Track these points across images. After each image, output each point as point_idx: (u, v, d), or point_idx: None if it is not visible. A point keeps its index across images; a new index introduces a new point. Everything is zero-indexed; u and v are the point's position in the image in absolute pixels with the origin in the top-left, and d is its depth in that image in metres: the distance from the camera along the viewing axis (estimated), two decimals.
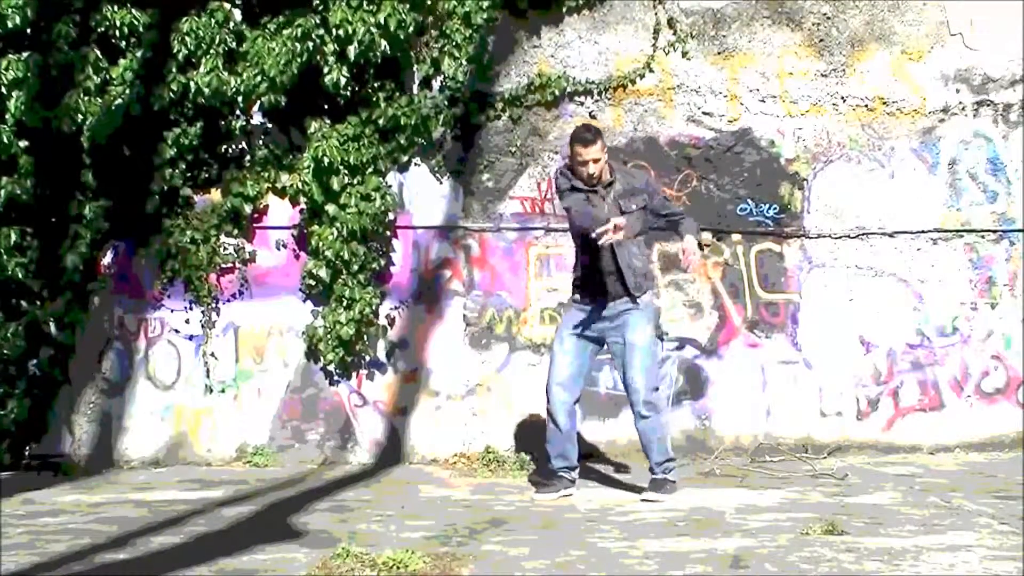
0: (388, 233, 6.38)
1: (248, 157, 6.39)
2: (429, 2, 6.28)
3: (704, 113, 6.54)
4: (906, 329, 6.59)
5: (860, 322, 6.56)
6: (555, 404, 5.21)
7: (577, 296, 5.28)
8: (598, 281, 5.15)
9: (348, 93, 6.23)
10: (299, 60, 6.12)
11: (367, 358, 6.39)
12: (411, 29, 6.22)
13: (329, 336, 6.22)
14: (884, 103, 6.60)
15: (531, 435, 6.37)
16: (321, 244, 6.18)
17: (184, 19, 6.13)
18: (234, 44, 6.22)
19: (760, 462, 6.17)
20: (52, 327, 6.20)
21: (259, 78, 6.15)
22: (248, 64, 6.18)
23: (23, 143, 6.11)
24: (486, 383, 6.44)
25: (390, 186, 6.36)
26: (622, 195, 5.13)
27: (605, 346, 5.29)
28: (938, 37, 6.62)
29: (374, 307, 6.29)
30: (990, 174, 6.68)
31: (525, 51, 6.50)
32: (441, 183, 6.47)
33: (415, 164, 6.44)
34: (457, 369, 6.43)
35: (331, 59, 6.15)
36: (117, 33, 6.15)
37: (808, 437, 6.46)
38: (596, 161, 5.06)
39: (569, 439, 5.25)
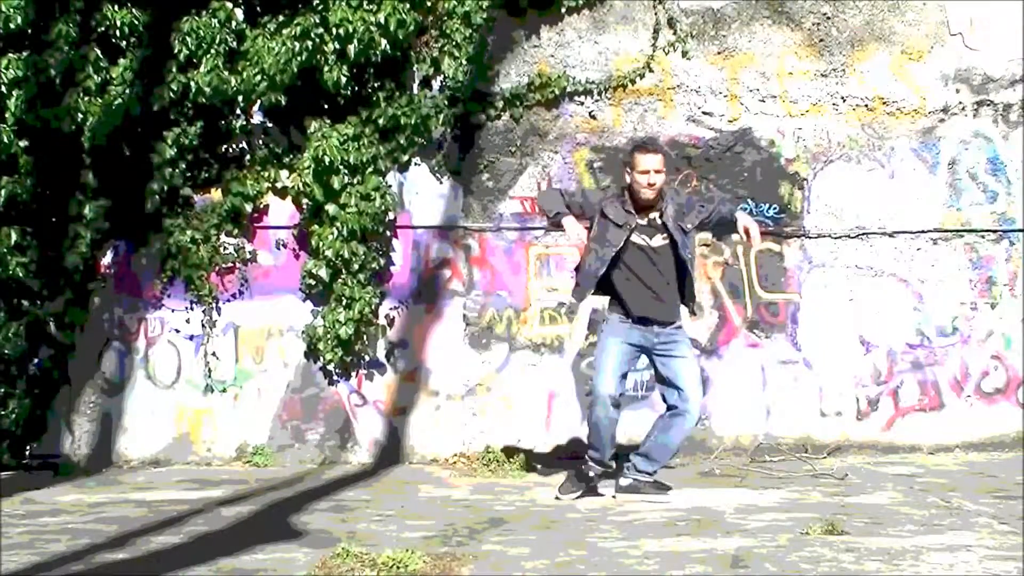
0: (388, 233, 6.38)
1: (248, 157, 6.39)
2: (429, 2, 6.28)
3: (704, 113, 6.54)
4: (906, 329, 6.59)
5: (860, 322, 6.56)
6: (603, 401, 5.09)
7: (620, 315, 5.17)
8: (644, 302, 5.11)
9: (348, 93, 6.23)
10: (299, 59, 6.12)
11: (367, 358, 6.39)
12: (411, 29, 6.22)
13: (328, 336, 6.22)
14: (884, 103, 6.60)
15: (531, 435, 6.38)
16: (321, 244, 6.19)
17: (184, 19, 6.13)
18: (234, 43, 6.22)
19: (760, 462, 6.17)
20: (52, 327, 6.20)
21: (259, 77, 6.15)
22: (248, 63, 6.19)
23: (23, 143, 6.11)
24: (486, 383, 6.44)
25: (390, 186, 6.36)
26: (677, 216, 5.13)
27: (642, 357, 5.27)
28: (938, 37, 6.62)
29: (373, 307, 6.29)
30: (990, 174, 6.68)
31: (525, 51, 6.50)
32: (441, 183, 6.48)
33: (415, 164, 6.45)
34: (457, 369, 6.43)
35: (331, 58, 6.15)
36: (117, 32, 6.15)
37: (808, 437, 6.46)
38: (658, 172, 5.06)
39: (611, 438, 5.18)
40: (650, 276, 5.11)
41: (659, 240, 5.12)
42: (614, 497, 5.15)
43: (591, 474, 5.20)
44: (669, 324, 5.16)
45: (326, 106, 6.32)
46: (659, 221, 5.12)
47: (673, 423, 5.13)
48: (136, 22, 6.15)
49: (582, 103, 6.50)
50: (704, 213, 5.25)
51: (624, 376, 5.19)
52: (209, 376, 6.37)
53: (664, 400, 5.21)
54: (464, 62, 6.31)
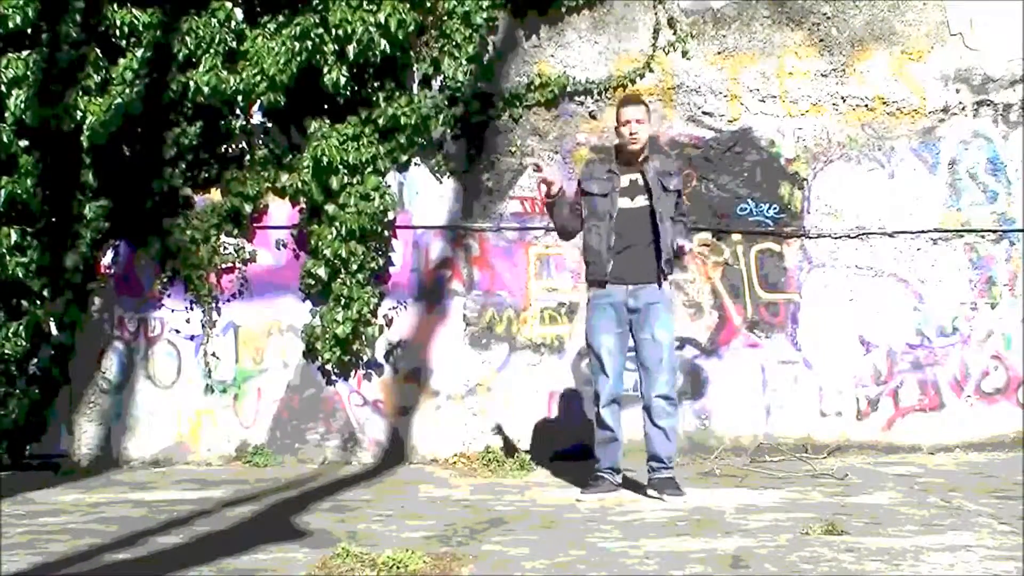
0: (387, 233, 6.38)
1: (248, 157, 6.39)
2: (429, 2, 6.28)
3: (704, 113, 6.54)
4: (906, 329, 6.59)
5: (860, 322, 6.56)
6: (608, 408, 5.11)
7: (598, 287, 5.14)
8: (624, 260, 5.07)
9: (348, 93, 6.23)
10: (298, 59, 6.12)
11: (365, 358, 6.39)
12: (411, 29, 6.22)
13: (326, 335, 6.22)
14: (884, 103, 6.60)
15: (531, 435, 6.38)
16: (320, 243, 6.19)
17: (184, 18, 6.13)
18: (234, 43, 6.23)
19: (760, 462, 6.17)
20: (52, 327, 6.21)
21: (259, 77, 6.15)
22: (248, 63, 6.19)
23: (23, 142, 6.12)
24: (486, 383, 6.44)
25: (389, 186, 6.36)
26: (661, 173, 5.13)
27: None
28: (938, 37, 6.62)
29: (372, 307, 6.29)
30: (990, 174, 6.68)
31: (525, 51, 6.50)
32: (441, 183, 6.48)
33: (415, 164, 6.45)
34: (457, 369, 6.43)
35: (331, 59, 6.15)
36: (117, 32, 6.15)
37: (808, 437, 6.46)
38: (639, 122, 5.07)
39: (618, 442, 5.17)
40: (626, 237, 5.07)
41: (640, 201, 5.10)
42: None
43: (613, 481, 5.19)
44: (646, 284, 5.09)
45: (326, 106, 6.32)
46: (640, 182, 5.10)
47: (648, 420, 5.10)
48: (136, 22, 6.15)
49: (582, 103, 6.50)
50: (678, 194, 5.20)
51: (623, 368, 5.16)
52: (209, 376, 6.38)
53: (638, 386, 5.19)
54: (464, 62, 6.31)
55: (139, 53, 6.13)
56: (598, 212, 5.13)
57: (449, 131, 6.44)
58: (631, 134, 5.08)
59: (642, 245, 5.08)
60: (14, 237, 6.08)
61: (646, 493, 5.13)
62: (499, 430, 6.38)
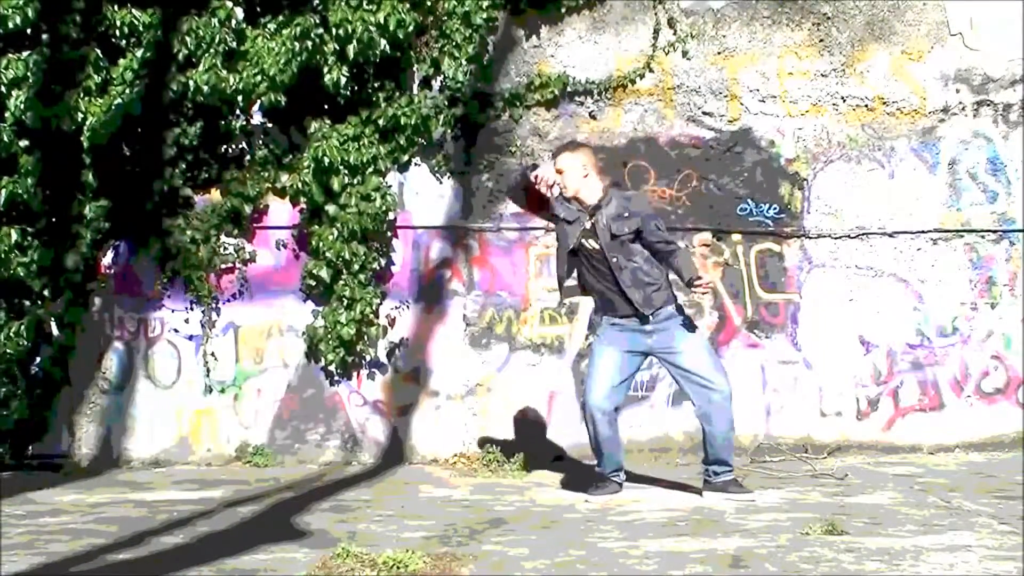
0: (388, 233, 6.38)
1: (248, 157, 6.39)
2: (429, 2, 6.28)
3: (704, 113, 6.54)
4: (906, 329, 6.59)
5: (860, 322, 6.56)
6: (595, 415, 5.06)
7: (607, 316, 5.13)
8: (608, 300, 5.08)
9: (348, 93, 6.23)
10: (299, 59, 6.12)
11: (367, 358, 6.39)
12: (411, 29, 6.22)
13: (330, 336, 6.22)
14: (884, 103, 6.60)
15: (531, 435, 6.38)
16: (321, 244, 6.19)
17: (184, 18, 6.13)
18: (234, 43, 6.22)
19: (760, 462, 6.17)
20: (53, 327, 6.21)
21: (259, 77, 6.15)
22: (248, 63, 6.19)
23: (23, 143, 6.12)
24: (486, 383, 6.44)
25: (390, 186, 6.36)
26: (615, 218, 4.99)
27: (648, 359, 5.20)
28: (938, 37, 6.62)
29: (374, 307, 6.29)
30: (990, 174, 6.68)
31: (525, 51, 6.50)
32: (441, 183, 6.48)
33: (415, 164, 6.45)
34: (457, 369, 6.43)
35: (331, 59, 6.16)
36: (117, 32, 6.15)
37: (808, 437, 6.46)
38: (559, 172, 5.08)
39: (614, 444, 5.15)
40: (604, 275, 5.05)
41: (593, 244, 5.07)
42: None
43: (619, 482, 5.19)
44: (649, 315, 5.00)
45: (326, 106, 6.32)
46: (594, 227, 5.05)
47: (709, 410, 5.05)
48: (136, 22, 6.15)
49: (582, 103, 6.50)
50: (647, 234, 4.98)
51: (623, 384, 5.13)
52: (209, 376, 6.38)
53: (692, 403, 5.16)
54: (464, 62, 6.31)
55: (139, 53, 6.13)
56: (564, 243, 5.12)
57: (449, 131, 6.44)
58: (548, 186, 5.09)
59: (621, 281, 5.01)
60: (15, 237, 6.08)
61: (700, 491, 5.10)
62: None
